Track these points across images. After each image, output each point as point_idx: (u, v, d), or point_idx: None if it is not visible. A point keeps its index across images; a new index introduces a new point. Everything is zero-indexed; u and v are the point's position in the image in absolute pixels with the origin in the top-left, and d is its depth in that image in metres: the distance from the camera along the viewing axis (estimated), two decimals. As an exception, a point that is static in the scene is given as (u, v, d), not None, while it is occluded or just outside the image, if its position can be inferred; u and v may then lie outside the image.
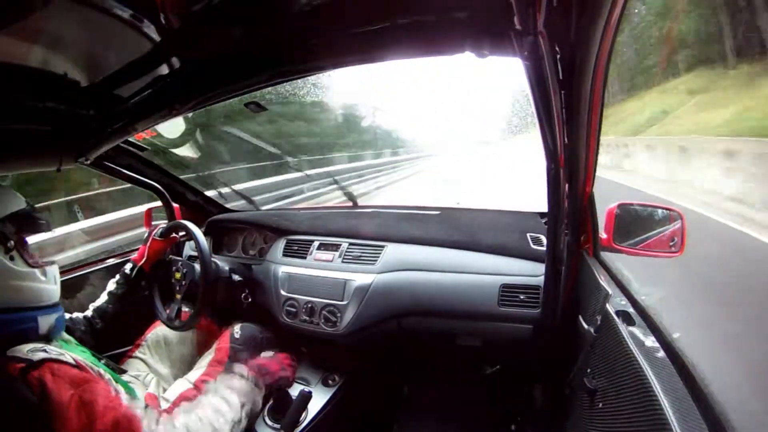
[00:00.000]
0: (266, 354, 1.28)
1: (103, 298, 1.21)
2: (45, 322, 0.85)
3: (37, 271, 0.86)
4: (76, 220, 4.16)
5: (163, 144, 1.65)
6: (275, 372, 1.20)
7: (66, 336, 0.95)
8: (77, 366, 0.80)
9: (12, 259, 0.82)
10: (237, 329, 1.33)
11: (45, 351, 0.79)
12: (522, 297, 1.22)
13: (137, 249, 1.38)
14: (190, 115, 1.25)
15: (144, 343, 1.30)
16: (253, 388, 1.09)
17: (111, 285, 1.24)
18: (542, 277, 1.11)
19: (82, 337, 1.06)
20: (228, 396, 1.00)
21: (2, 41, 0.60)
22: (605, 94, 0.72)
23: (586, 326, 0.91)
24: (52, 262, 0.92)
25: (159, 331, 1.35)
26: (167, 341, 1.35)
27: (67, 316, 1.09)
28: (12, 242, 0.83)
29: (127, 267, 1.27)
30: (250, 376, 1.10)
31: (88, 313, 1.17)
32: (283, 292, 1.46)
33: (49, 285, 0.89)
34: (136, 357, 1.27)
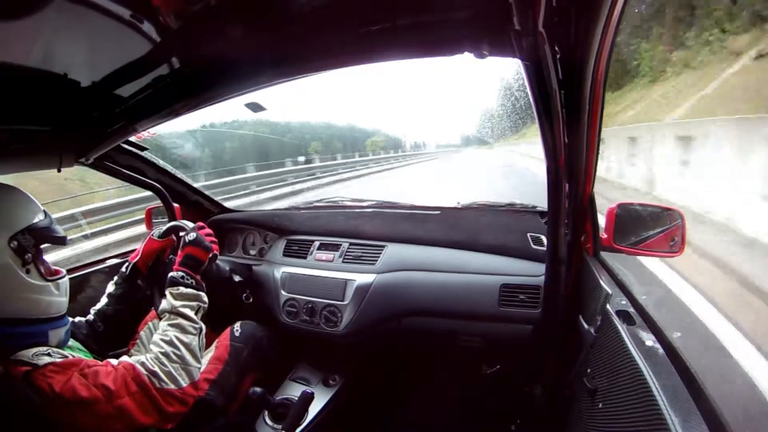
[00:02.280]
0: (189, 238, 1.14)
1: (104, 300, 1.21)
2: (54, 335, 0.86)
3: (51, 285, 0.87)
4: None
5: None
6: (203, 258, 1.12)
7: (70, 341, 0.96)
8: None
9: (28, 272, 0.82)
10: (237, 327, 1.33)
11: (49, 355, 0.80)
12: (522, 297, 1.22)
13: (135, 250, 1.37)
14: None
15: (138, 341, 1.29)
16: (197, 285, 1.06)
17: (110, 287, 1.23)
18: (542, 277, 1.11)
19: (84, 341, 1.07)
20: (182, 312, 0.99)
21: (2, 41, 0.60)
22: (605, 94, 0.72)
23: (586, 326, 0.90)
24: (63, 275, 0.92)
25: (152, 325, 1.34)
26: None
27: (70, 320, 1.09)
28: (30, 255, 0.82)
29: (124, 267, 1.27)
30: (190, 280, 1.05)
31: (90, 317, 1.17)
32: (283, 293, 1.46)
33: (61, 297, 0.89)
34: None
